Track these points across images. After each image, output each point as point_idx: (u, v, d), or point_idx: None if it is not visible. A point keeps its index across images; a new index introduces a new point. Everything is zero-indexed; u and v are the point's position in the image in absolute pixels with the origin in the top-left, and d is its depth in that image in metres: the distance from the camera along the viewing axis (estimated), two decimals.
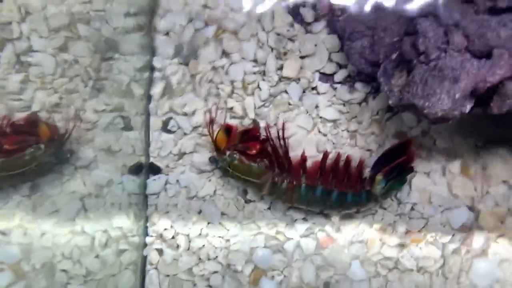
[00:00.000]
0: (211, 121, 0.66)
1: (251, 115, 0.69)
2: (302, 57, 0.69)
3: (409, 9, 0.59)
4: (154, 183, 0.70)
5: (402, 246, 0.66)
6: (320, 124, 0.69)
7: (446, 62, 0.52)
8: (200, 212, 0.69)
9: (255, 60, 0.70)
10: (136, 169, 0.69)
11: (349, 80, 0.69)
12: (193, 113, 0.69)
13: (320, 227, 0.67)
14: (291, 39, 0.69)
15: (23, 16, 0.67)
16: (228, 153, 0.64)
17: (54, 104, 0.66)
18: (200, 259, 0.68)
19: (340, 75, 0.69)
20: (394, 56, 0.57)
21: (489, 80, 0.52)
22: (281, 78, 0.69)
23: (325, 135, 0.69)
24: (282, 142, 0.63)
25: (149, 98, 0.71)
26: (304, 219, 0.68)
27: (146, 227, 0.69)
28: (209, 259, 0.68)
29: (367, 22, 0.62)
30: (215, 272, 0.67)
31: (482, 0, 0.52)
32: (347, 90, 0.68)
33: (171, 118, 0.70)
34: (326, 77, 0.69)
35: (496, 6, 0.52)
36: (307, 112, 0.69)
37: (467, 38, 0.52)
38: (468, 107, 0.53)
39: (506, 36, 0.51)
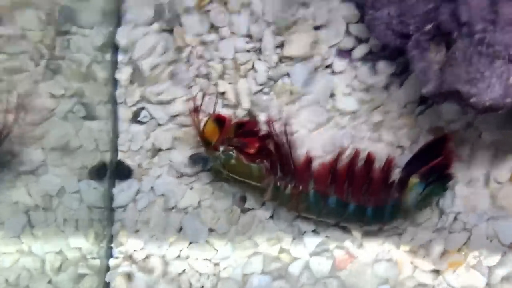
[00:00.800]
0: (196, 109, 0.65)
1: (245, 103, 0.67)
2: (316, 28, 0.68)
3: None
4: (122, 191, 0.69)
5: (437, 272, 0.66)
6: (338, 118, 0.68)
7: (496, 37, 0.51)
8: (180, 229, 0.68)
9: (249, 35, 0.68)
10: (99, 172, 0.68)
11: (371, 58, 0.68)
12: (171, 101, 0.69)
13: (337, 243, 0.67)
14: (304, 4, 0.68)
15: None
16: (222, 149, 0.63)
17: None
18: None
19: (360, 51, 0.67)
20: (428, 27, 0.56)
21: None
22: (281, 59, 0.68)
23: (343, 127, 0.68)
24: (286, 140, 0.63)
25: (114, 83, 0.70)
26: (315, 232, 0.67)
27: (110, 248, 0.68)
28: None
29: None
30: None
31: None
32: (368, 71, 0.67)
33: (142, 108, 0.69)
34: (343, 53, 0.68)
35: None
36: (319, 103, 0.68)
37: None
38: None
39: None
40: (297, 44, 0.67)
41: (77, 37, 0.67)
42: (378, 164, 0.63)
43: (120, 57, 0.69)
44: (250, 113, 0.68)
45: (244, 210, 0.68)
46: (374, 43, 0.66)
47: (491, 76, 0.51)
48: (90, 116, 0.67)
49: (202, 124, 0.64)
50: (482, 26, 0.51)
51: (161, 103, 0.69)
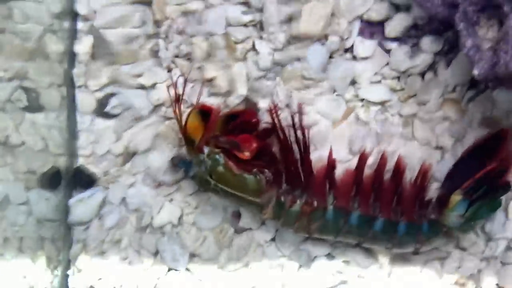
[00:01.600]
0: (178, 98, 0.62)
1: (242, 90, 0.65)
2: None
3: None
4: (82, 204, 0.67)
5: None
6: (360, 110, 0.66)
7: None
8: (156, 253, 0.67)
9: (245, 3, 0.67)
10: (51, 180, 0.66)
11: (413, 35, 0.66)
12: (153, 86, 0.67)
13: (359, 269, 0.66)
14: None
15: None
16: (207, 150, 0.60)
17: None
18: None
19: (397, 24, 0.65)
20: None
21: None
22: (291, 38, 0.66)
23: (365, 123, 0.66)
24: (300, 136, 0.60)
25: (72, 60, 0.68)
26: (330, 256, 0.66)
27: (67, 276, 0.67)
28: None
29: None
30: None
31: None
32: (408, 53, 0.65)
33: (112, 94, 0.67)
34: (372, 28, 0.66)
35: None
36: (335, 91, 0.66)
37: None
38: None
39: None
40: (309, 18, 0.65)
41: (25, 4, 0.65)
42: (410, 175, 0.62)
43: (80, 25, 0.67)
44: (248, 100, 0.66)
45: (238, 230, 0.67)
46: (417, 14, 0.65)
47: None
48: (34, 106, 0.65)
49: (184, 118, 0.61)
50: None
51: (141, 87, 0.67)
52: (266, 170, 0.61)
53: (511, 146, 0.61)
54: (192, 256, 0.66)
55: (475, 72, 0.55)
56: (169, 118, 0.66)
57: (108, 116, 0.67)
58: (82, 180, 0.67)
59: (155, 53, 0.67)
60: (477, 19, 0.56)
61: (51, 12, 0.66)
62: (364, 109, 0.67)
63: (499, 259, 0.65)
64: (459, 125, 0.66)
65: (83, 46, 0.67)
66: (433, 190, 0.64)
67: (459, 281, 0.65)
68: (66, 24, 0.68)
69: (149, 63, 0.67)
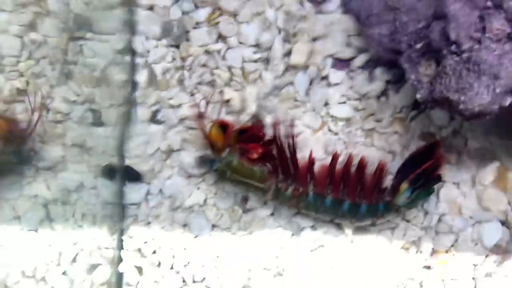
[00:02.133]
0: (201, 115, 0.67)
1: (252, 108, 0.69)
2: (314, 39, 0.70)
3: None
4: (133, 191, 0.70)
5: (427, 268, 0.68)
6: (331, 123, 0.70)
7: (481, 55, 0.53)
8: (185, 225, 0.70)
9: (256, 45, 0.70)
10: (109, 172, 0.69)
11: (370, 65, 0.69)
12: (179, 106, 0.70)
13: (332, 239, 0.69)
14: (302, 18, 0.70)
15: None
16: (227, 150, 0.64)
17: (15, 91, 0.67)
18: (184, 281, 0.69)
19: (359, 60, 0.70)
20: (419, 45, 0.58)
21: None
22: (287, 67, 0.69)
23: (335, 133, 0.70)
24: (290, 143, 0.64)
25: (133, 86, 0.71)
26: (313, 227, 0.69)
27: (121, 241, 0.70)
28: (194, 282, 0.69)
29: (387, 0, 0.63)
30: None
31: None
32: (367, 79, 0.69)
33: (159, 109, 0.71)
34: (341, 63, 0.70)
35: None
36: (314, 110, 0.70)
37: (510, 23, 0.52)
38: (508, 101, 0.54)
39: None
40: (299, 53, 0.69)
41: (92, 42, 0.69)
42: (371, 169, 0.65)
43: (138, 60, 0.71)
44: (256, 117, 0.69)
45: (245, 210, 0.70)
46: (373, 52, 0.68)
47: (479, 86, 0.52)
48: (98, 122, 0.69)
49: (207, 129, 0.65)
50: (469, 45, 0.53)
51: (171, 106, 0.70)
52: (268, 164, 0.65)
53: (442, 152, 0.65)
54: (213, 226, 0.69)
55: (418, 96, 0.57)
56: (191, 128, 0.70)
57: (157, 122, 0.70)
58: (131, 175, 0.70)
59: (181, 82, 0.71)
60: (418, 61, 0.58)
61: (114, 49, 0.69)
62: (334, 123, 0.70)
63: (434, 229, 0.67)
64: (405, 137, 0.68)
65: (142, 76, 0.70)
66: (388, 181, 0.66)
67: (405, 246, 0.68)
68: (127, 59, 0.70)
69: (177, 89, 0.70)
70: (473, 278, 0.67)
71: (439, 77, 0.55)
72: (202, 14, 0.70)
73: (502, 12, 0.52)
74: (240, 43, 0.70)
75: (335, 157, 0.64)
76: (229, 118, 0.69)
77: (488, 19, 0.53)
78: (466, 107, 0.53)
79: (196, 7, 0.71)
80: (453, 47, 0.54)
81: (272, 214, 0.69)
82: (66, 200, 0.68)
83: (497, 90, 0.52)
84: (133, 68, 0.71)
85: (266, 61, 0.70)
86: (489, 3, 0.53)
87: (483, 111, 0.53)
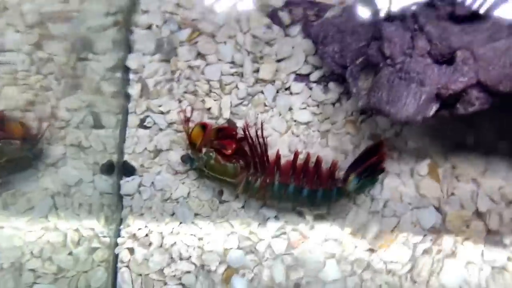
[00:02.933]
0: (187, 119, 0.70)
1: (226, 114, 0.72)
2: (278, 60, 0.74)
3: (376, 13, 0.63)
4: (128, 184, 0.73)
5: (371, 251, 0.70)
6: (294, 127, 0.73)
7: (411, 66, 0.57)
8: (173, 214, 0.72)
9: (232, 62, 0.73)
10: (108, 168, 0.72)
11: (324, 80, 0.73)
12: (168, 112, 0.73)
13: (293, 226, 0.71)
14: (268, 43, 0.74)
15: None
16: (204, 150, 0.67)
17: (28, 101, 0.70)
18: (172, 258, 0.71)
19: (316, 75, 0.73)
20: (359, 60, 0.62)
21: (452, 87, 0.56)
22: (257, 80, 0.73)
23: (297, 136, 0.73)
24: (261, 141, 0.66)
25: (126, 97, 0.74)
26: (276, 218, 0.71)
27: (119, 229, 0.73)
28: (181, 259, 0.71)
29: (338, 25, 0.67)
30: (188, 272, 0.71)
31: (442, 6, 0.59)
32: (322, 90, 0.73)
33: (147, 116, 0.74)
34: (302, 77, 0.73)
35: (455, 12, 0.58)
36: (280, 115, 0.73)
37: (430, 42, 0.57)
38: (433, 110, 0.57)
39: (468, 40, 0.57)
40: (266, 71, 0.73)
41: (92, 61, 0.72)
42: (326, 166, 0.68)
43: (131, 76, 0.74)
44: (230, 121, 0.72)
45: (221, 202, 0.72)
46: (326, 69, 0.72)
47: (408, 96, 0.56)
48: (98, 125, 0.72)
49: (190, 130, 0.68)
50: (402, 58, 0.58)
51: (161, 112, 0.73)
52: (240, 161, 0.67)
53: (385, 150, 0.69)
54: (196, 215, 0.72)
55: (359, 104, 0.61)
56: (179, 131, 0.72)
57: (145, 127, 0.74)
58: (127, 169, 0.73)
59: (170, 91, 0.73)
60: (358, 76, 0.62)
61: (105, 66, 0.73)
62: (296, 127, 0.73)
63: (380, 213, 0.70)
64: (356, 137, 0.71)
65: (135, 89, 0.74)
66: (339, 175, 0.68)
67: (353, 232, 0.70)
68: (118, 74, 0.73)
69: (166, 98, 0.73)
70: (413, 255, 0.69)
71: (373, 91, 0.58)
72: (184, 34, 0.74)
73: (424, 34, 0.58)
74: (219, 59, 0.74)
75: (296, 154, 0.67)
76: (209, 122, 0.71)
77: (415, 38, 0.58)
78: (395, 117, 0.57)
79: (180, 28, 0.74)
80: (388, 61, 0.58)
81: (243, 206, 0.72)
82: (69, 192, 0.70)
83: (423, 97, 0.56)
84: (125, 82, 0.74)
85: (241, 74, 0.73)
86: (416, 26, 0.58)
87: (409, 121, 0.57)
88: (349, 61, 0.64)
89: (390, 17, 0.61)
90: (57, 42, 0.72)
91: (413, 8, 0.60)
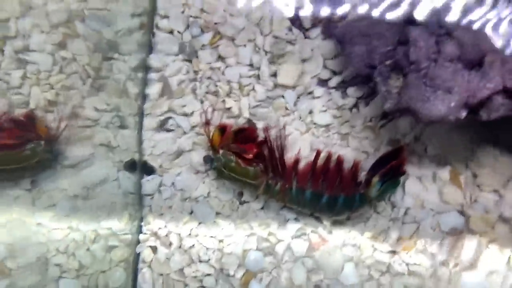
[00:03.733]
0: (207, 121, 0.68)
1: (246, 114, 0.70)
2: (303, 60, 0.71)
3: (402, 17, 0.61)
4: (148, 183, 0.71)
5: (393, 253, 0.68)
6: (314, 129, 0.71)
7: (436, 72, 0.55)
8: (191, 212, 0.71)
9: (250, 65, 0.72)
10: (131, 166, 0.70)
11: (342, 86, 0.71)
12: (192, 113, 0.71)
13: (313, 228, 0.69)
14: (290, 42, 0.72)
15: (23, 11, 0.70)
16: (221, 151, 0.65)
17: (50, 101, 0.68)
18: (192, 259, 0.69)
19: (334, 81, 0.71)
20: (388, 62, 0.59)
21: (478, 95, 0.54)
22: (276, 85, 0.71)
23: (317, 137, 0.71)
24: (279, 144, 0.65)
25: (144, 97, 0.72)
26: (296, 219, 0.69)
27: (141, 226, 0.71)
28: (200, 261, 0.69)
29: (362, 29, 0.64)
30: (208, 274, 0.69)
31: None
32: (340, 96, 0.70)
33: (169, 117, 0.72)
34: (322, 82, 0.71)
35: None
36: (300, 118, 0.71)
37: (461, 48, 0.55)
38: (463, 114, 0.55)
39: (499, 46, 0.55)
40: (286, 74, 0.71)
41: (118, 61, 0.70)
42: (347, 166, 0.66)
43: (152, 76, 0.72)
44: (249, 121, 0.70)
45: (242, 203, 0.70)
46: (346, 74, 0.70)
47: (435, 100, 0.54)
48: (123, 126, 0.70)
49: (211, 133, 0.66)
50: (426, 64, 0.55)
51: (185, 114, 0.71)
52: (260, 164, 0.65)
53: (405, 155, 0.66)
54: (217, 214, 0.70)
55: (386, 106, 0.58)
56: (201, 134, 0.70)
57: (166, 130, 0.71)
58: (147, 169, 0.71)
59: (193, 91, 0.72)
60: (388, 75, 0.59)
61: (130, 66, 0.71)
62: (316, 129, 0.70)
63: (401, 220, 0.68)
64: (375, 142, 0.69)
65: (153, 89, 0.71)
66: (361, 177, 0.66)
67: (374, 236, 0.68)
68: (140, 75, 0.71)
69: (190, 97, 0.71)
70: (434, 259, 0.67)
71: (405, 89, 0.56)
72: (206, 38, 0.73)
73: (453, 39, 0.55)
74: (238, 62, 0.72)
75: (318, 153, 0.65)
76: (229, 123, 0.70)
77: (441, 43, 0.56)
78: (428, 115, 0.55)
79: (202, 32, 0.73)
80: (413, 66, 0.56)
81: (262, 208, 0.70)
82: (89, 192, 0.68)
83: (452, 104, 0.54)
84: (145, 82, 0.72)
85: (258, 77, 0.71)
86: (442, 31, 0.56)
87: (441, 120, 0.55)
88: (378, 61, 0.61)
89: (415, 22, 0.59)
90: (83, 41, 0.70)
91: (438, 12, 0.58)
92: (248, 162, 0.65)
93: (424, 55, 0.55)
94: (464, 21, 0.57)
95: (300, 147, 0.68)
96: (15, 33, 0.69)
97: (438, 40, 0.56)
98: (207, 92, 0.72)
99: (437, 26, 0.56)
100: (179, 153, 0.71)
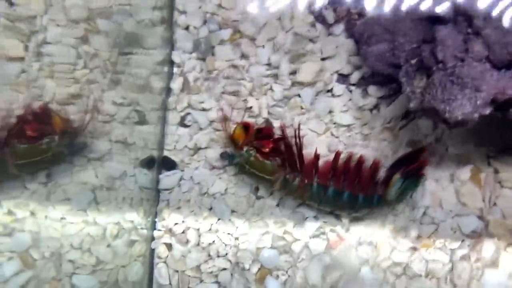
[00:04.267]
0: (226, 118, 0.67)
1: (264, 113, 0.69)
2: (322, 59, 0.70)
3: (428, 14, 0.58)
4: (168, 178, 0.70)
5: (413, 249, 0.66)
6: (334, 129, 0.69)
7: (464, 70, 0.52)
8: (211, 208, 0.69)
9: (268, 64, 0.70)
10: (148, 163, 0.69)
11: (363, 83, 0.69)
12: (209, 109, 0.70)
13: (331, 227, 0.67)
14: (312, 40, 0.70)
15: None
16: (245, 148, 0.64)
17: (71, 95, 0.67)
18: (209, 255, 0.68)
19: (356, 76, 0.69)
20: (414, 61, 0.57)
21: (508, 92, 0.52)
22: (294, 83, 0.69)
23: (337, 137, 0.69)
24: (297, 141, 0.63)
25: (168, 92, 0.71)
26: (316, 217, 0.68)
27: (155, 222, 0.69)
28: (218, 256, 0.68)
29: (386, 25, 0.62)
30: (224, 269, 0.68)
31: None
32: (361, 94, 0.69)
33: (189, 113, 0.71)
34: (343, 78, 0.70)
35: None
36: (319, 117, 0.69)
37: (488, 47, 0.52)
38: (488, 111, 0.53)
39: None
40: (306, 72, 0.69)
41: (138, 55, 0.69)
42: (368, 165, 0.64)
43: (175, 70, 0.71)
44: (267, 121, 0.69)
45: (258, 198, 0.68)
46: (365, 70, 0.68)
47: (462, 98, 0.52)
48: (142, 121, 0.69)
49: (231, 130, 0.65)
50: (453, 63, 0.53)
51: (203, 109, 0.70)
52: (277, 159, 0.64)
53: (426, 157, 0.64)
54: (232, 211, 0.68)
55: (411, 105, 0.56)
56: (218, 130, 0.69)
57: (185, 126, 0.71)
58: (168, 164, 0.70)
59: (208, 90, 0.70)
60: (413, 75, 0.57)
61: (155, 60, 0.70)
62: (336, 129, 0.69)
63: (419, 221, 0.66)
64: (393, 144, 0.68)
65: (176, 84, 0.70)
66: (381, 174, 0.65)
67: (394, 230, 0.66)
68: (165, 69, 0.70)
69: (206, 95, 0.70)
70: (450, 260, 0.65)
71: (429, 89, 0.55)
72: (225, 34, 0.71)
73: (481, 37, 0.53)
74: (256, 62, 0.70)
75: (338, 154, 0.63)
76: (250, 121, 0.68)
77: (470, 42, 0.53)
78: (450, 115, 0.53)
79: (220, 28, 0.71)
80: (440, 65, 0.54)
81: (277, 205, 0.68)
82: (110, 186, 0.67)
83: (478, 102, 0.52)
84: (169, 77, 0.71)
85: (276, 76, 0.70)
86: (470, 30, 0.54)
87: (465, 119, 0.52)
88: (403, 60, 0.59)
89: (443, 20, 0.56)
90: (104, 36, 0.68)
91: (466, 10, 0.54)
92: (266, 156, 0.64)
93: (452, 54, 0.53)
94: (494, 20, 0.53)
95: (317, 147, 0.66)
96: (39, 27, 0.68)
97: (466, 38, 0.53)
98: (223, 92, 0.70)
99: (465, 25, 0.54)
100: (196, 149, 0.70)
